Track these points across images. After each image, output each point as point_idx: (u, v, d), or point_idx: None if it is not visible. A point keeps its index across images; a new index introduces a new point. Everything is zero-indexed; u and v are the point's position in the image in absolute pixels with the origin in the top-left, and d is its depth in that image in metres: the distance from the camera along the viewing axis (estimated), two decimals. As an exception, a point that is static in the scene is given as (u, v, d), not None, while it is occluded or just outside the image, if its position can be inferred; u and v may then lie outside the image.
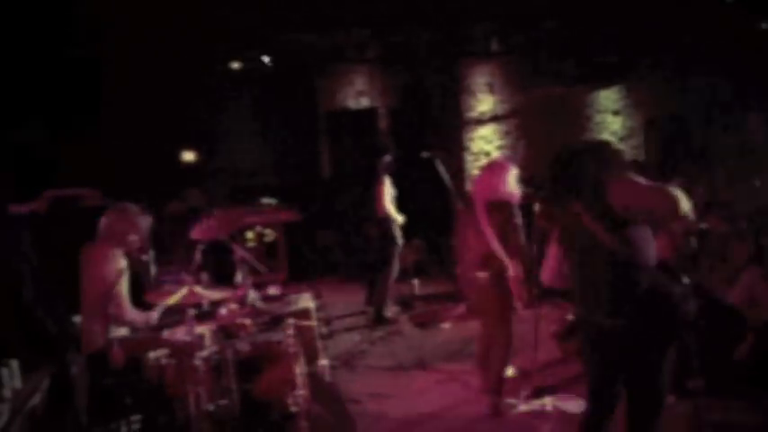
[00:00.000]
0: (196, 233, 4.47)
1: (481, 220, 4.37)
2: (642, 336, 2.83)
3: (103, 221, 4.10)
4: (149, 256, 4.98)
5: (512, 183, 4.41)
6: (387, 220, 6.71)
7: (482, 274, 4.38)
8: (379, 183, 6.73)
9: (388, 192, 6.71)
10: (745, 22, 8.78)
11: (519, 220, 4.37)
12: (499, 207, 4.36)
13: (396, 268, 6.87)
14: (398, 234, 6.80)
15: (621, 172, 2.90)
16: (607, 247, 2.79)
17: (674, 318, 2.85)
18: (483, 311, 4.60)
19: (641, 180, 2.77)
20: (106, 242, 4.06)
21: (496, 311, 4.42)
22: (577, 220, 2.89)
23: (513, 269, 4.31)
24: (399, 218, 6.80)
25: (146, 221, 4.25)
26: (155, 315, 4.18)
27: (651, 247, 2.84)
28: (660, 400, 2.99)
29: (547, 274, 3.28)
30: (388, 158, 6.89)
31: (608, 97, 11.37)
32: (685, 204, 2.63)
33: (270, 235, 8.34)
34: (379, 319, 6.78)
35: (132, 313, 4.06)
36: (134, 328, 4.22)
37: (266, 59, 9.48)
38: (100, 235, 4.08)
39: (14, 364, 3.68)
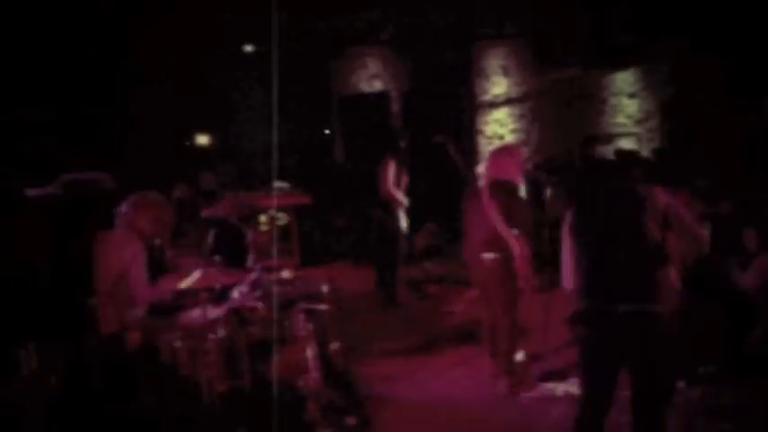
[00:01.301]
0: (207, 212, 4.51)
1: (485, 201, 4.42)
2: (660, 320, 2.85)
3: (124, 209, 4.12)
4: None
5: (517, 167, 4.48)
6: (390, 203, 6.70)
7: (488, 256, 4.42)
8: (385, 166, 6.71)
9: (392, 175, 6.68)
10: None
11: (523, 200, 4.39)
12: (503, 187, 4.42)
13: (402, 251, 6.87)
14: (403, 217, 6.78)
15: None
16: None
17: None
18: (489, 294, 4.63)
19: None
20: (124, 229, 4.08)
21: (502, 294, 4.45)
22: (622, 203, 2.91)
23: (518, 249, 4.32)
24: (404, 200, 6.78)
25: (168, 211, 4.25)
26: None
27: None
28: (673, 384, 3.00)
29: (569, 279, 3.18)
30: (402, 144, 6.87)
31: (624, 80, 11.23)
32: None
33: (283, 219, 8.35)
34: (388, 302, 6.80)
35: (151, 294, 4.07)
36: (152, 306, 4.25)
37: (249, 48, 9.48)
38: (118, 221, 4.11)
39: (31, 345, 3.73)
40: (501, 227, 4.31)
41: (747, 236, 4.67)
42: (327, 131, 5.76)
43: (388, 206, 6.71)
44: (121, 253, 3.98)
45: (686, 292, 4.16)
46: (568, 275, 3.17)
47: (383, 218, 6.78)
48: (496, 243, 4.36)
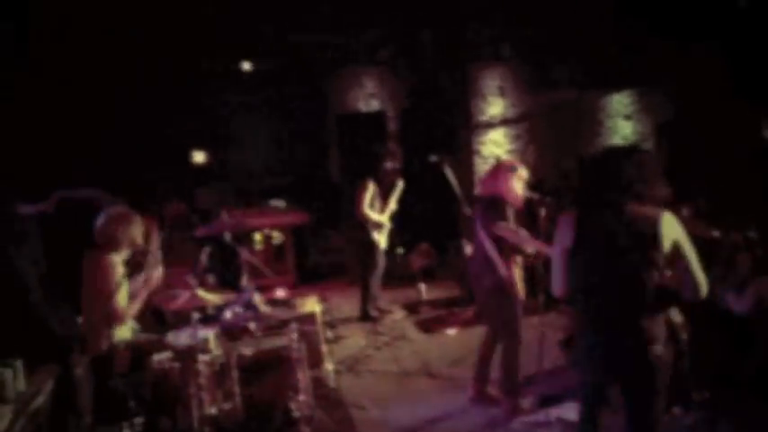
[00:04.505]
0: (201, 230, 4.50)
1: (478, 220, 4.41)
2: (650, 354, 2.83)
3: (96, 227, 4.12)
4: (156, 257, 4.97)
5: (513, 184, 4.41)
6: (365, 224, 6.72)
7: (487, 278, 4.38)
8: (362, 187, 6.73)
9: (368, 196, 6.69)
10: (757, 27, 8.70)
11: (511, 218, 4.33)
12: (494, 205, 4.37)
13: (380, 270, 6.89)
14: (378, 238, 6.79)
15: (655, 180, 2.92)
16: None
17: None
18: (488, 315, 4.60)
19: None
20: (102, 248, 4.08)
21: (501, 315, 4.41)
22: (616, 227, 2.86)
23: (505, 270, 4.31)
24: (384, 221, 6.79)
25: (137, 222, 4.23)
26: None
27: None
28: (660, 410, 2.97)
29: (559, 287, 3.13)
30: (389, 166, 6.88)
31: (620, 101, 11.30)
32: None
33: (278, 237, 8.33)
34: (364, 317, 6.86)
35: (133, 308, 4.10)
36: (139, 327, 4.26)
37: (246, 66, 9.51)
38: (96, 241, 4.11)
39: (19, 364, 3.69)
40: (488, 246, 4.28)
41: (741, 260, 4.65)
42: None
43: (365, 226, 6.72)
44: (105, 275, 3.97)
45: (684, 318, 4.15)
46: (558, 282, 3.12)
47: (360, 237, 6.78)
48: (492, 264, 4.34)
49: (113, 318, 3.99)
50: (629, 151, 3.08)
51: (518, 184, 4.41)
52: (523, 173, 4.46)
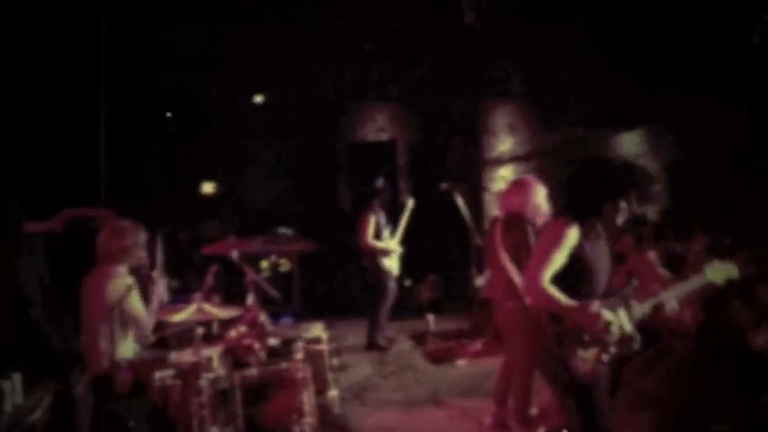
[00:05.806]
0: (207, 249, 4.44)
1: (496, 240, 4.26)
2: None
3: (100, 240, 4.05)
4: (159, 277, 4.90)
5: (535, 201, 4.25)
6: (372, 254, 6.64)
7: (508, 303, 4.19)
8: (363, 219, 6.67)
9: (371, 227, 6.62)
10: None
11: (531, 237, 4.13)
12: (514, 223, 4.22)
13: (390, 298, 6.78)
14: (387, 265, 6.70)
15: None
16: None
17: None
18: (508, 338, 4.44)
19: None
20: (104, 262, 4.00)
21: (521, 339, 4.26)
22: None
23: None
24: (393, 247, 6.72)
25: (138, 234, 4.15)
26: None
27: None
28: None
29: None
30: (380, 183, 6.81)
31: (630, 140, 11.27)
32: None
33: (285, 265, 8.25)
34: (370, 346, 6.76)
35: (150, 320, 3.97)
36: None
37: (259, 99, 9.58)
38: (98, 257, 4.03)
39: (17, 378, 3.61)
40: (508, 267, 4.14)
41: (761, 291, 4.54)
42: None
43: (373, 255, 6.65)
44: (107, 289, 3.88)
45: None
46: None
47: (369, 266, 6.71)
48: (514, 288, 4.13)
49: (136, 325, 3.87)
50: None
51: (540, 198, 4.25)
52: (544, 189, 4.32)
